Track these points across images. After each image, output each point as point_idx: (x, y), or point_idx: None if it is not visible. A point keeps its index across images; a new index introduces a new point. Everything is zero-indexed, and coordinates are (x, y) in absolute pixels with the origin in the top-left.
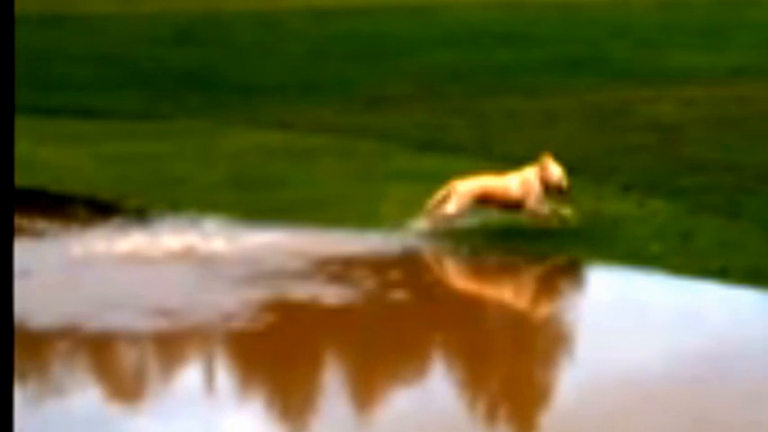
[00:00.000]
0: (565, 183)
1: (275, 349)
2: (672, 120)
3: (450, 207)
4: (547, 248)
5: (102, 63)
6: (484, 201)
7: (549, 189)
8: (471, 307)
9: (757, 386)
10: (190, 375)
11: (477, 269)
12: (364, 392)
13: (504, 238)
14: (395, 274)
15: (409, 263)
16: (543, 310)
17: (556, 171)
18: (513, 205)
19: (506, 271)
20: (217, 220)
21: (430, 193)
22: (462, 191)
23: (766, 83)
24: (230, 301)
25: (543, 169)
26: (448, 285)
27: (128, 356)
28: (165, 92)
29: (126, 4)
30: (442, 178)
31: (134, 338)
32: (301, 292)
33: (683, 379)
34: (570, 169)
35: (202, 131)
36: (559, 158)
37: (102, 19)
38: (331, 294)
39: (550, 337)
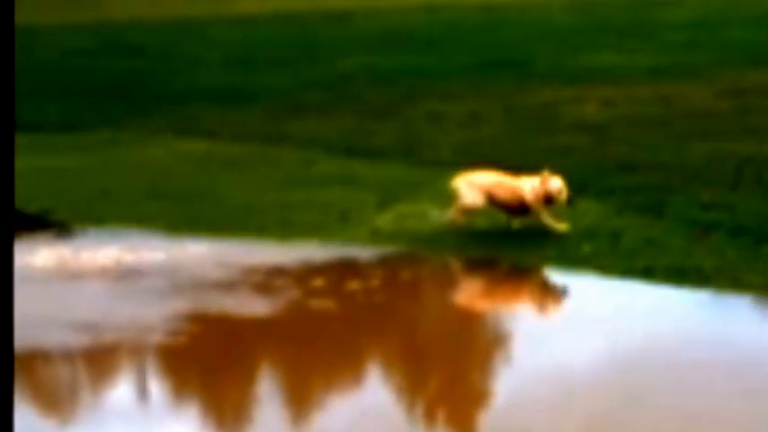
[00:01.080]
0: (562, 196)
1: (204, 361)
2: (596, 120)
3: (466, 199)
4: (481, 252)
5: (24, 75)
6: (492, 198)
7: (551, 200)
8: (399, 313)
9: (685, 380)
10: (119, 389)
11: (406, 274)
12: (300, 401)
13: (435, 241)
14: (320, 282)
15: (336, 271)
16: (476, 312)
17: (556, 183)
18: (518, 209)
19: (436, 275)
20: (141, 232)
21: (354, 198)
22: (476, 183)
23: (687, 82)
24: (156, 314)
25: (544, 181)
26: (376, 292)
27: (53, 372)
28: (88, 103)
29: (49, 16)
30: (367, 183)
31: (59, 354)
32: (227, 302)
33: (615, 376)
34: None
35: (126, 142)
36: (484, 160)
37: (24, 31)
38: (257, 304)
39: (485, 340)
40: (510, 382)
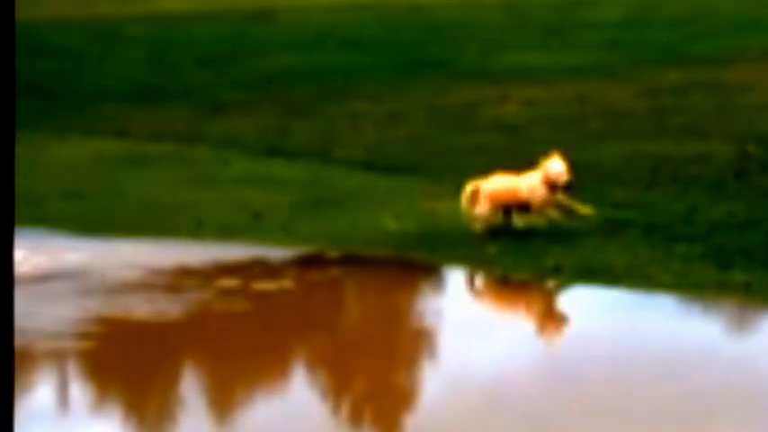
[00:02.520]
0: (564, 178)
1: (120, 364)
2: (515, 120)
3: (479, 209)
4: (391, 251)
5: None
6: (497, 202)
7: (555, 187)
8: (316, 313)
9: (598, 381)
10: (33, 394)
11: (319, 275)
12: (223, 402)
13: (347, 242)
14: (233, 283)
15: (248, 271)
16: (390, 312)
17: (554, 167)
18: (522, 206)
19: (349, 275)
20: (52, 232)
21: (268, 198)
22: (484, 191)
23: (606, 82)
24: (66, 316)
25: (544, 169)
26: (290, 292)
27: None
28: None
29: None
30: (283, 183)
31: None
32: (139, 304)
33: (540, 376)
34: (411, 170)
35: (36, 142)
36: (399, 159)
37: None
38: (169, 305)
39: (403, 340)
40: (435, 382)
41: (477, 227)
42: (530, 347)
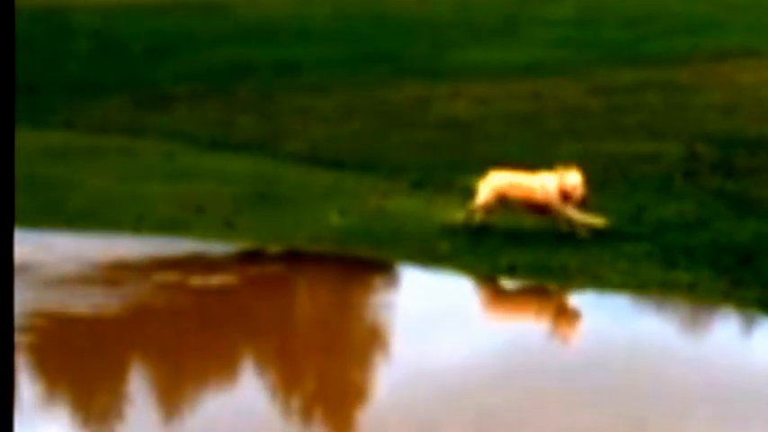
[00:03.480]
0: (580, 191)
1: (63, 360)
2: (468, 117)
3: (481, 199)
4: (329, 246)
5: None
6: (505, 198)
7: (568, 198)
8: (260, 309)
9: (550, 376)
10: None
11: (261, 269)
12: (170, 400)
13: (291, 237)
14: (174, 277)
15: (190, 265)
16: (336, 308)
17: (572, 179)
18: (537, 208)
19: (292, 270)
20: None
21: (212, 192)
22: (493, 183)
23: (560, 79)
24: None
25: (561, 178)
26: (233, 287)
27: None
28: None
29: None
30: (227, 177)
31: None
32: (76, 298)
33: (493, 373)
34: (359, 166)
35: None
36: (347, 154)
37: None
38: (109, 300)
39: (348, 336)
40: (384, 378)
41: (476, 217)
42: (480, 343)
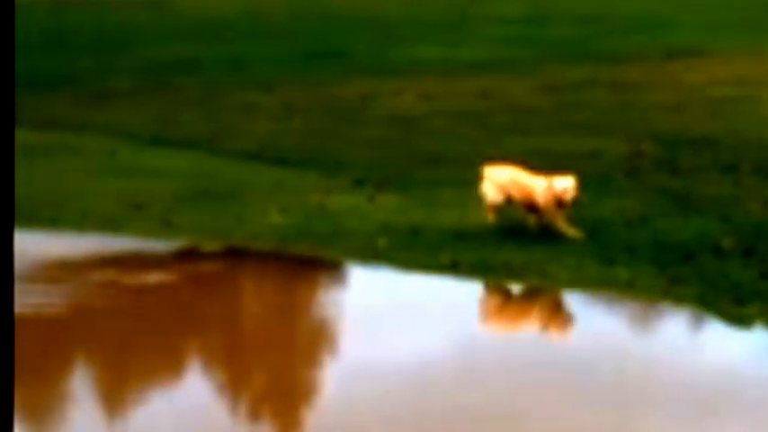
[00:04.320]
0: (569, 196)
1: None
2: (413, 113)
3: (487, 197)
4: (269, 244)
5: None
6: (508, 195)
7: (561, 203)
8: (202, 307)
9: (497, 374)
10: None
11: (201, 267)
12: (113, 400)
13: (229, 235)
14: (113, 276)
15: (129, 263)
16: (277, 306)
17: (560, 184)
18: (530, 208)
19: (230, 268)
20: None
21: (152, 189)
22: (495, 180)
23: (508, 77)
24: None
25: (551, 183)
26: (173, 285)
27: None
28: None
29: None
30: (167, 174)
31: None
32: (19, 296)
33: (439, 369)
34: (303, 163)
35: None
36: (291, 151)
37: None
38: (49, 298)
39: (291, 333)
40: (334, 376)
41: (489, 217)
42: (423, 341)
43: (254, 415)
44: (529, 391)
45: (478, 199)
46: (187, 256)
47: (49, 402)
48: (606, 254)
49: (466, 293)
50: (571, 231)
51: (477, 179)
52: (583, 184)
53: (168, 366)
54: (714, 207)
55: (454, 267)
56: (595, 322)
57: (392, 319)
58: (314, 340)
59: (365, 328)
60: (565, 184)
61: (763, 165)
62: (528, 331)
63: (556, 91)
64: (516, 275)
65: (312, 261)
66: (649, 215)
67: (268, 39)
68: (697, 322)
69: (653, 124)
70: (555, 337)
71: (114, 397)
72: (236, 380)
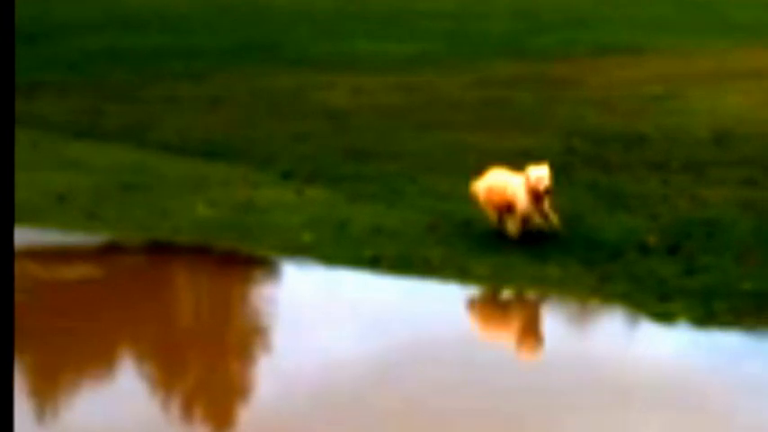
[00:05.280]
0: (542, 185)
1: None
2: (342, 107)
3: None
4: (193, 238)
5: None
6: (491, 201)
7: (539, 196)
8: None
9: (431, 374)
10: None
11: (124, 261)
12: (42, 397)
13: (151, 229)
14: (32, 269)
15: (50, 257)
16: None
17: (533, 174)
18: (508, 207)
19: (153, 263)
20: None
21: (74, 182)
22: (482, 185)
23: (437, 72)
24: None
25: (527, 175)
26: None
27: None
28: None
29: None
30: (90, 167)
31: None
32: None
33: (376, 367)
34: (230, 156)
35: None
36: (218, 144)
37: None
38: None
39: (217, 331)
40: (269, 374)
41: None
42: (345, 338)
43: (186, 413)
44: (450, 390)
45: (404, 194)
46: (110, 249)
47: None
48: (538, 252)
49: (390, 290)
50: (555, 220)
51: (404, 174)
52: None
53: (98, 363)
54: (642, 204)
55: (375, 262)
56: (519, 320)
57: (326, 315)
58: (246, 336)
59: (297, 324)
60: (537, 174)
61: (692, 162)
62: (450, 331)
63: (484, 87)
64: (435, 271)
65: (238, 255)
66: (580, 212)
67: (194, 31)
68: (626, 319)
69: (582, 121)
70: (477, 336)
71: (43, 394)
72: (166, 376)
